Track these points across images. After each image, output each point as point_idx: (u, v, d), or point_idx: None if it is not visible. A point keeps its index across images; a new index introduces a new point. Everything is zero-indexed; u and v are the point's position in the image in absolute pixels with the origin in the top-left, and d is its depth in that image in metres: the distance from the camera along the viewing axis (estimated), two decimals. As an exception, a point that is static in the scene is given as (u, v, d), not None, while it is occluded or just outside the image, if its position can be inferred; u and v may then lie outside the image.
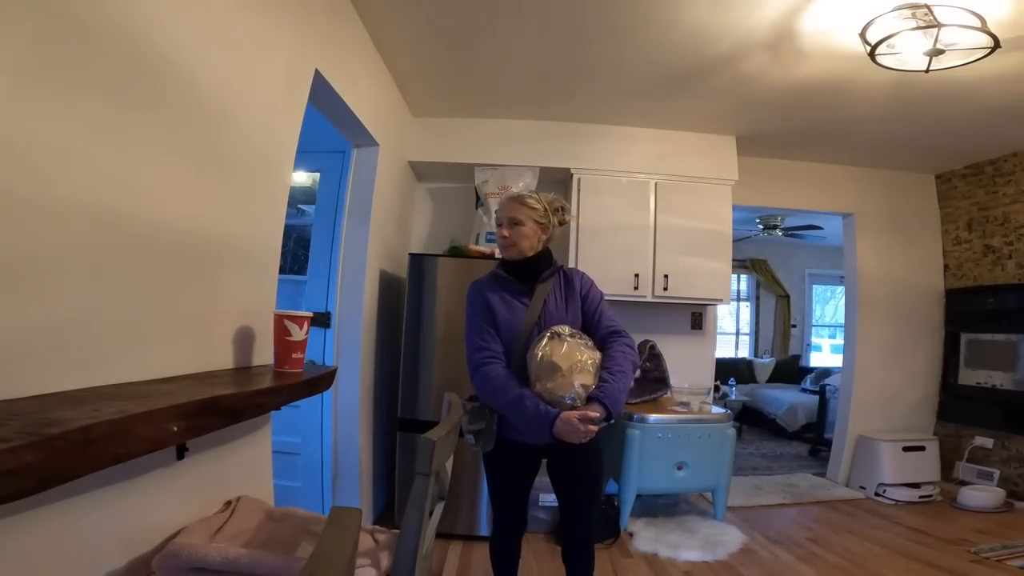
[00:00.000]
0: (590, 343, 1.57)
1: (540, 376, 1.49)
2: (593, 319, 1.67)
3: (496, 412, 1.58)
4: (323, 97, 2.04)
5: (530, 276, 1.66)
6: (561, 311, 1.65)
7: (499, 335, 1.60)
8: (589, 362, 1.50)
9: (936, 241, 4.06)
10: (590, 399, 1.49)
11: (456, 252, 2.92)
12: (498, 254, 2.90)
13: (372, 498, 2.85)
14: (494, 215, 1.73)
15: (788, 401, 5.82)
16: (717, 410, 3.14)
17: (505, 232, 1.64)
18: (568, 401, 1.46)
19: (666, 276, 3.30)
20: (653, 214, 3.34)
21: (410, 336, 2.79)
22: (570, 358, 1.48)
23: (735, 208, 3.49)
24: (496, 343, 1.58)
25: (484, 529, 2.76)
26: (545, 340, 1.52)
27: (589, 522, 1.68)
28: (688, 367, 3.55)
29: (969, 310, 3.79)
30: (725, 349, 7.22)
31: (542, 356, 1.49)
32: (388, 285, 3.02)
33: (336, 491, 2.60)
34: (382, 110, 2.70)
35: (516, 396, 1.48)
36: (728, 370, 6.30)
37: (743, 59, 2.48)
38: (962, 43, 1.99)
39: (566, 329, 1.55)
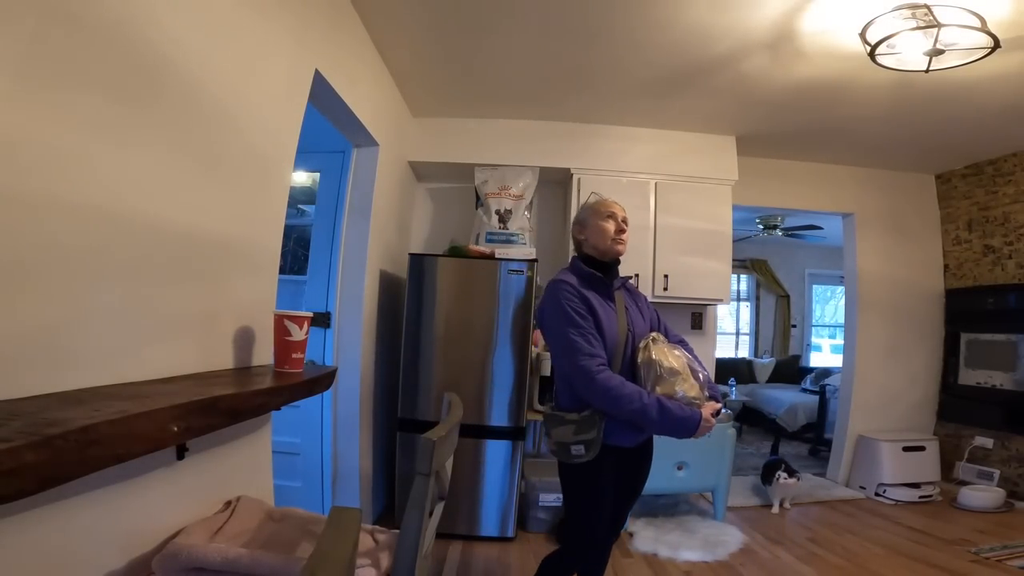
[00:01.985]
0: None
1: (661, 380, 1.51)
2: (660, 327, 1.74)
3: (604, 418, 1.53)
4: (323, 97, 2.04)
5: (612, 279, 1.67)
6: (640, 317, 1.67)
7: (603, 339, 1.53)
8: (691, 365, 1.58)
9: (936, 241, 4.06)
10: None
11: (456, 252, 2.92)
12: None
13: (372, 498, 2.85)
14: (594, 210, 1.66)
15: (788, 401, 5.82)
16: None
17: (625, 227, 1.65)
18: (696, 401, 1.51)
19: (666, 276, 3.30)
20: (653, 214, 3.34)
21: (410, 336, 2.79)
22: (681, 361, 1.54)
23: (735, 208, 3.49)
24: (601, 348, 1.51)
25: (484, 529, 2.76)
26: (653, 345, 1.56)
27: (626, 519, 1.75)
28: (688, 367, 3.55)
29: (969, 310, 3.79)
30: (725, 349, 7.21)
31: (659, 361, 1.52)
32: (388, 285, 3.02)
33: (336, 491, 2.60)
34: (382, 110, 2.70)
35: (653, 401, 1.46)
36: (728, 370, 6.30)
37: (743, 59, 2.48)
38: (962, 43, 1.99)
39: (659, 335, 1.62)
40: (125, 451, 0.75)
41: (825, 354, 7.63)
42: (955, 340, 3.87)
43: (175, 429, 0.85)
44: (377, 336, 2.86)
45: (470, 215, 3.43)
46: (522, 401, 2.77)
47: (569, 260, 1.69)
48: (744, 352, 7.55)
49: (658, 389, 1.49)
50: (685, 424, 1.46)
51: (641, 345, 1.57)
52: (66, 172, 0.87)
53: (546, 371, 3.13)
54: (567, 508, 1.66)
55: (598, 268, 1.65)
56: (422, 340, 2.79)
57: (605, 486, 1.57)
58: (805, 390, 6.24)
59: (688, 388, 1.50)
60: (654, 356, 1.52)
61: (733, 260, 3.51)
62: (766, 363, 7.04)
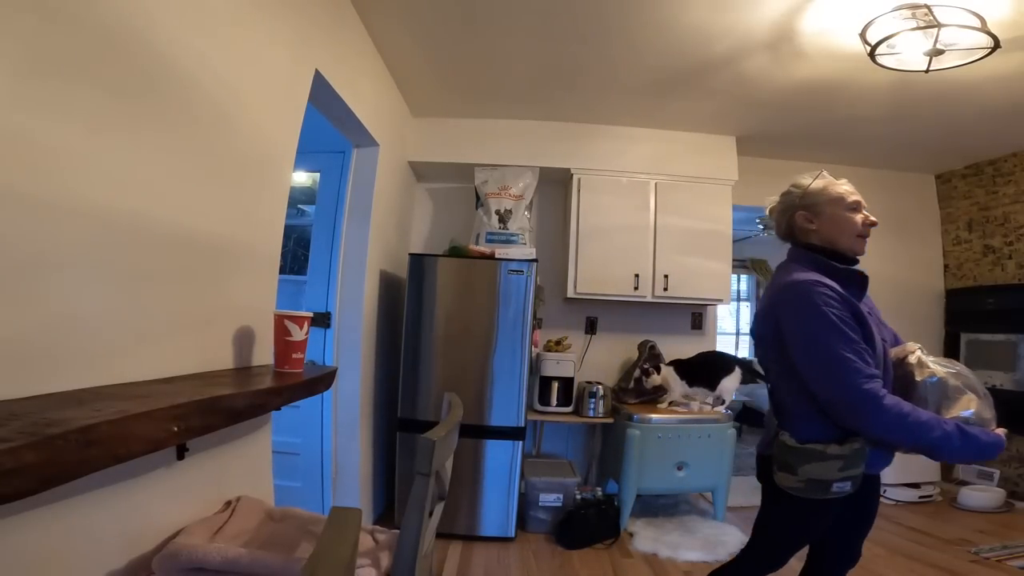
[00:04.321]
0: None
1: (948, 399, 1.27)
2: (888, 331, 1.45)
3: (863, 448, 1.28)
4: (323, 97, 2.04)
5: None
6: (880, 323, 1.41)
7: (872, 353, 1.26)
8: (971, 379, 1.33)
9: (936, 241, 4.06)
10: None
11: (456, 252, 2.92)
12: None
13: (372, 498, 2.85)
14: (833, 197, 1.38)
15: (788, 401, 5.81)
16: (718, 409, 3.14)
17: (873, 222, 1.37)
18: (989, 422, 1.28)
19: (666, 276, 3.30)
20: (653, 214, 3.34)
21: (410, 336, 2.79)
22: (965, 376, 1.31)
23: (735, 208, 3.49)
24: (875, 365, 1.25)
25: (484, 529, 2.76)
26: (925, 357, 1.34)
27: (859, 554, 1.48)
28: (688, 367, 3.54)
29: (969, 310, 3.79)
30: (725, 349, 7.20)
31: (946, 379, 1.29)
32: (388, 285, 3.02)
33: (336, 491, 2.60)
34: (382, 110, 2.70)
35: (952, 426, 1.21)
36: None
37: (743, 59, 2.48)
38: (962, 43, 1.99)
39: (919, 345, 1.39)
40: (125, 451, 0.75)
41: (825, 354, 7.62)
42: (955, 340, 3.86)
43: (175, 429, 0.85)
44: (377, 336, 2.86)
45: (470, 215, 3.43)
46: (522, 401, 2.77)
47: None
48: (744, 352, 7.54)
49: (943, 412, 1.25)
50: (990, 450, 1.22)
51: (912, 360, 1.33)
52: (67, 171, 0.87)
53: (546, 371, 3.14)
54: (769, 544, 1.42)
55: (851, 265, 1.38)
56: (422, 340, 2.79)
57: (825, 521, 1.37)
58: (805, 390, 6.23)
59: (978, 407, 1.26)
60: (940, 372, 1.29)
61: (733, 260, 3.51)
62: (766, 363, 7.02)
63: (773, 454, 1.32)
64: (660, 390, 3.24)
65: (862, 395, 1.19)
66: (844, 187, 1.40)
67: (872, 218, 1.38)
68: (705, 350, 3.41)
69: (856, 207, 1.38)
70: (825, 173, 1.42)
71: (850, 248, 1.37)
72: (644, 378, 3.16)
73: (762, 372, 1.48)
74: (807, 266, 1.35)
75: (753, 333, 1.46)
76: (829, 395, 1.24)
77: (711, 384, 3.15)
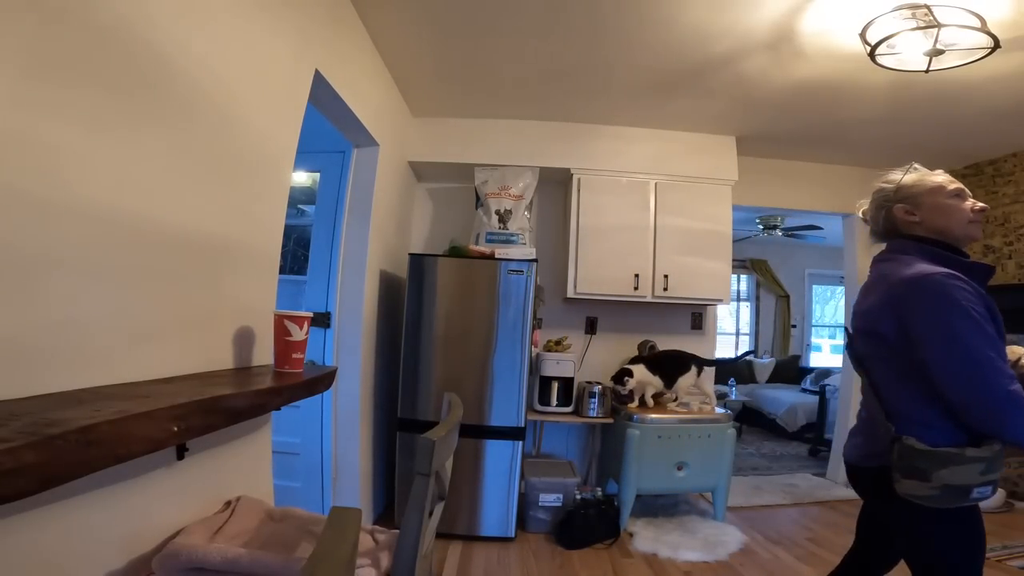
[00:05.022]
0: None
1: None
2: None
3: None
4: (323, 97, 2.04)
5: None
6: None
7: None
8: None
9: (936, 241, 4.05)
10: None
11: (456, 252, 2.92)
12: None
13: (372, 498, 2.85)
14: (932, 187, 1.33)
15: (788, 401, 5.82)
16: (717, 410, 3.14)
17: (982, 205, 1.31)
18: None
19: (666, 276, 3.30)
20: (653, 214, 3.34)
21: (410, 336, 2.79)
22: None
23: (735, 208, 3.49)
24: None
25: (484, 529, 2.76)
26: None
27: None
28: (688, 367, 3.54)
29: (969, 310, 3.79)
30: (725, 349, 7.21)
31: None
32: (388, 285, 3.02)
33: (336, 491, 2.60)
34: (382, 110, 2.70)
35: None
36: (728, 370, 6.30)
37: (743, 59, 2.48)
38: (962, 43, 1.99)
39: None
40: (125, 451, 0.75)
41: (825, 354, 7.63)
42: (955, 340, 3.86)
43: (175, 429, 0.85)
44: (377, 336, 2.87)
45: (470, 215, 3.43)
46: (522, 401, 2.77)
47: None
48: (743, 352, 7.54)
49: None
50: None
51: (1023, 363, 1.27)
52: (67, 171, 0.87)
53: (546, 371, 3.13)
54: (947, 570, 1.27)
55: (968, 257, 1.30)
56: (422, 340, 2.79)
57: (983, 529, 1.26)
58: (805, 390, 6.24)
59: None
60: None
61: (733, 260, 3.51)
62: (766, 363, 7.04)
63: (892, 462, 1.21)
64: (641, 397, 3.20)
65: (1007, 397, 1.10)
66: (941, 177, 1.34)
67: (980, 204, 1.31)
68: (668, 348, 3.39)
69: (960, 194, 1.31)
70: (917, 165, 1.37)
71: (965, 234, 1.30)
72: (619, 386, 3.10)
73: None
74: (926, 258, 1.25)
75: (856, 330, 1.36)
76: (968, 397, 1.13)
77: (669, 382, 3.16)
